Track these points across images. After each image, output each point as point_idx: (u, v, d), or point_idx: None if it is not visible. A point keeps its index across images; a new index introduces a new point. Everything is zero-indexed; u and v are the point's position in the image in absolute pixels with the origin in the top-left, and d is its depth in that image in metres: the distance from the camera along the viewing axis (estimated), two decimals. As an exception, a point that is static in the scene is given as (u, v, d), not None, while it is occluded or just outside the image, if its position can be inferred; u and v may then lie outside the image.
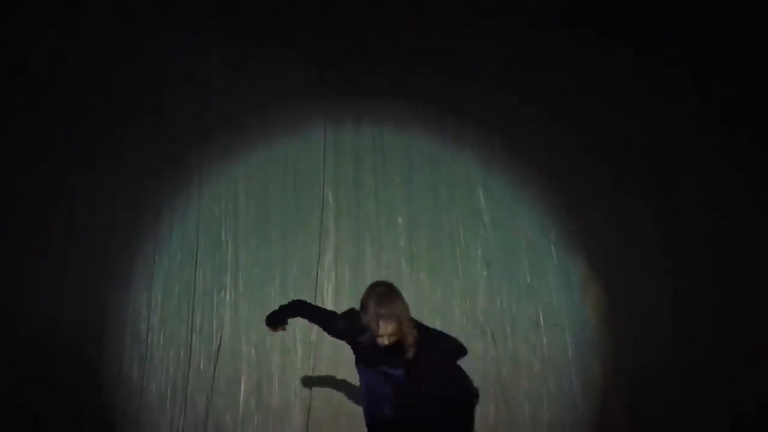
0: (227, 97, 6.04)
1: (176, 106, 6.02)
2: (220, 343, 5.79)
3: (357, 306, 4.28)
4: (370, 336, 4.10)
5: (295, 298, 4.75)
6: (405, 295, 4.29)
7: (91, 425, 5.63)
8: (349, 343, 4.32)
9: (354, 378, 5.43)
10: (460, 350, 4.38)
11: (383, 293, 4.15)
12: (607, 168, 6.01)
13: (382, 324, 4.06)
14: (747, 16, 6.01)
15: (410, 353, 4.12)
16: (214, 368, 5.74)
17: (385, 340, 4.09)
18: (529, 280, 5.85)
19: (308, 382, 5.70)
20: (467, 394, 4.38)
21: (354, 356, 4.34)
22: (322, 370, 5.71)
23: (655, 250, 5.90)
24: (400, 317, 4.08)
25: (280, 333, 4.61)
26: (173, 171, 5.98)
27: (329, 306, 5.76)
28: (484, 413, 5.62)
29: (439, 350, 4.26)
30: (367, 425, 4.32)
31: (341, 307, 5.67)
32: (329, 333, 4.47)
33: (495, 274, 5.85)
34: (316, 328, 5.68)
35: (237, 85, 6.03)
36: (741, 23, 6.02)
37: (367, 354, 4.22)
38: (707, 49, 6.04)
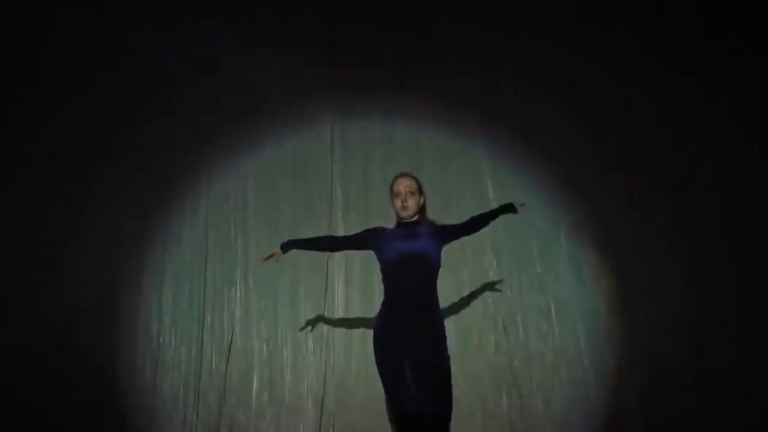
0: (235, 92, 6.04)
1: (184, 104, 6.02)
2: (231, 340, 5.79)
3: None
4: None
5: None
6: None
7: (106, 424, 5.62)
8: (374, 249, 4.68)
9: (366, 370, 5.50)
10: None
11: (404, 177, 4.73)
12: (617, 157, 5.99)
13: (400, 198, 4.62)
14: (760, 14, 6.01)
15: (422, 225, 4.66)
16: (226, 365, 5.74)
17: (407, 211, 4.63)
18: (539, 270, 5.84)
19: (320, 376, 5.70)
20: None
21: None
22: (334, 364, 5.71)
23: (667, 238, 5.88)
24: (415, 190, 4.66)
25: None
26: (182, 169, 5.98)
27: (339, 300, 5.80)
28: (496, 403, 5.62)
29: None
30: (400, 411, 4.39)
31: (352, 299, 5.75)
32: (350, 248, 4.91)
33: (505, 264, 5.85)
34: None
35: (244, 80, 6.03)
36: (754, 21, 6.02)
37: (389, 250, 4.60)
38: (720, 45, 6.05)
